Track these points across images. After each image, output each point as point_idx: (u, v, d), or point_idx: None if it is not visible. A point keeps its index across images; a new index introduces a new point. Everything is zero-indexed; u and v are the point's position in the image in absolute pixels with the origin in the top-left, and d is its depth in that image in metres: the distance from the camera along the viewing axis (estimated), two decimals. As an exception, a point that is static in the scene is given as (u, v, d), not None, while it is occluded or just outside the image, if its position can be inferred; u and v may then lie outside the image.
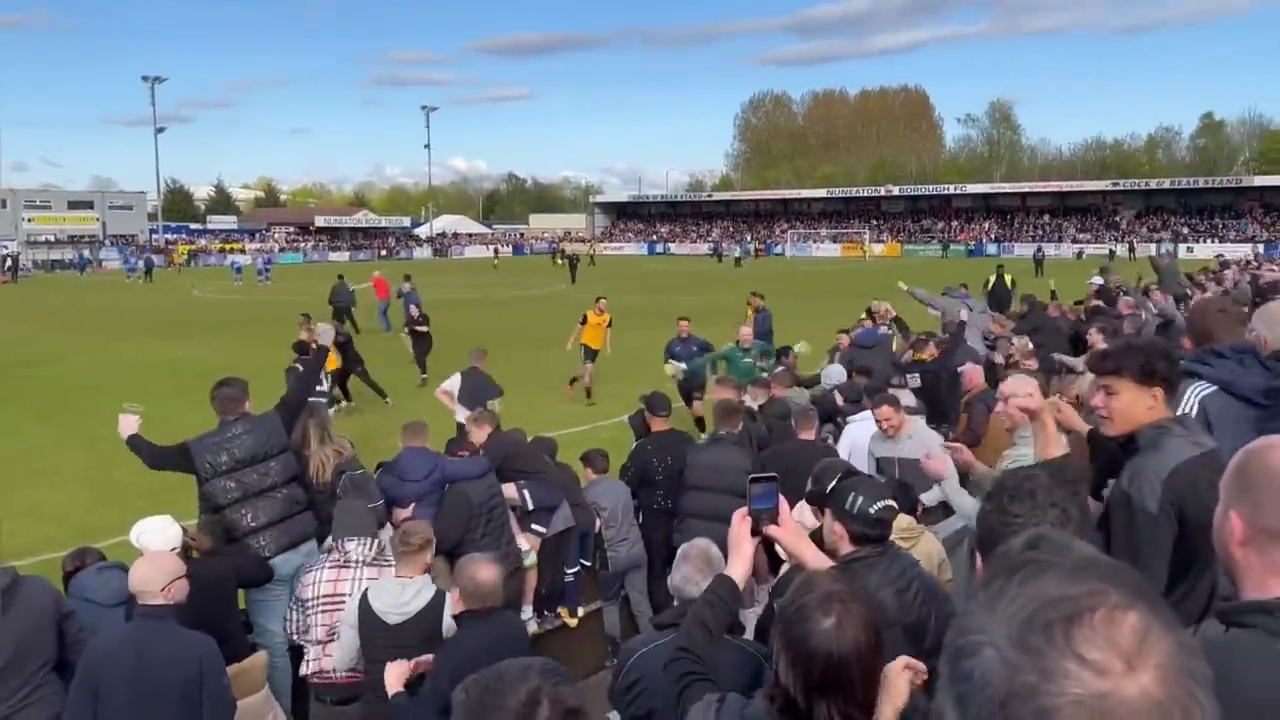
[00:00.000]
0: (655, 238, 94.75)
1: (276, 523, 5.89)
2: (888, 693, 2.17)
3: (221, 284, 50.27)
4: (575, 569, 7.59)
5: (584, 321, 17.24)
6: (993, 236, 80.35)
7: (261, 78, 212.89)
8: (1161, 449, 3.06)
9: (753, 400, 8.93)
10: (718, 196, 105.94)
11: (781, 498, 2.64)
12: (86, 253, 71.17)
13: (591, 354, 17.05)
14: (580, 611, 7.77)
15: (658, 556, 7.42)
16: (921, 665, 2.25)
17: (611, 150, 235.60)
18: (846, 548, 3.15)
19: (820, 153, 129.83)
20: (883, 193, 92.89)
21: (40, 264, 69.57)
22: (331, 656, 5.11)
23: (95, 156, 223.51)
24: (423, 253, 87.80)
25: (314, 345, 14.29)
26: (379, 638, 4.64)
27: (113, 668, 3.99)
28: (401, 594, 4.72)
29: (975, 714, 0.87)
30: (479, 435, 7.49)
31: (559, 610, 7.75)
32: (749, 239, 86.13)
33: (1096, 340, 10.23)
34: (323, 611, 5.22)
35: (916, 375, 9.98)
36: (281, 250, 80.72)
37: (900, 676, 2.20)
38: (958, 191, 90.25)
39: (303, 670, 5.38)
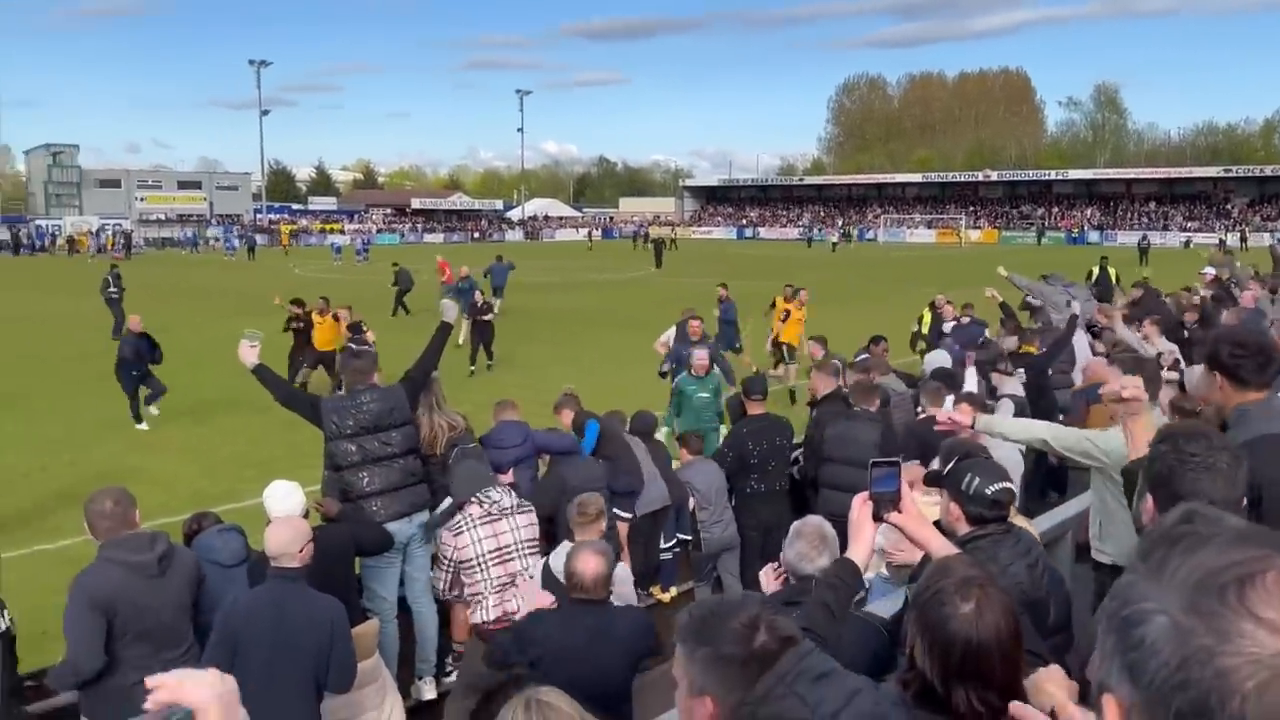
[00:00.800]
0: (745, 222, 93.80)
1: (391, 490, 6.10)
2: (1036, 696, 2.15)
3: (321, 263, 51.63)
4: (672, 543, 7.68)
5: (786, 317, 16.34)
6: (1095, 224, 77.50)
7: (361, 63, 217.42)
8: (1242, 427, 3.15)
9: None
10: (809, 180, 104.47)
11: (904, 482, 2.62)
12: (196, 231, 73.78)
13: (789, 351, 16.27)
14: (673, 590, 7.85)
15: (751, 539, 7.44)
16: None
17: (702, 133, 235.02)
18: (964, 528, 3.14)
19: (916, 136, 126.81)
20: (980, 178, 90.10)
21: (151, 241, 72.41)
22: (511, 601, 5.42)
23: (203, 138, 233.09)
24: (514, 235, 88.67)
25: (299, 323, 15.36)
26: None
27: (252, 627, 4.13)
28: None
29: (1149, 680, 0.87)
30: (564, 418, 7.68)
31: (651, 589, 7.84)
32: (841, 223, 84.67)
33: (1150, 331, 9.95)
34: (494, 565, 5.49)
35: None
36: (379, 231, 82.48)
37: (1055, 688, 2.19)
38: (1059, 177, 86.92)
39: (477, 618, 5.55)
